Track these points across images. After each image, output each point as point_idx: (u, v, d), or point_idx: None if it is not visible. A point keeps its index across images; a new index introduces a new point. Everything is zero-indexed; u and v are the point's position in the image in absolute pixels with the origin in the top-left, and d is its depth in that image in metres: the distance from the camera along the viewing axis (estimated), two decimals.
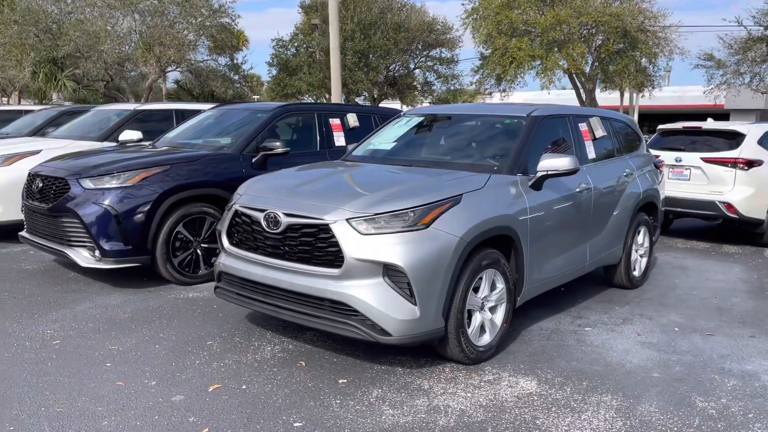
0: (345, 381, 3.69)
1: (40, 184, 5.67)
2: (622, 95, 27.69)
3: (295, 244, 3.75)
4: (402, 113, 5.67)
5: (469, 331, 3.85)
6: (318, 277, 3.66)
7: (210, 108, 7.64)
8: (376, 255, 3.53)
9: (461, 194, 3.85)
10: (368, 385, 3.65)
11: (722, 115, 32.48)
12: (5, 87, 28.05)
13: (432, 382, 3.70)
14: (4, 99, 29.25)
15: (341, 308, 3.62)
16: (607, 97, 28.00)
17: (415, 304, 3.54)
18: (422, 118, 5.30)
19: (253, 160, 6.10)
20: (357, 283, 3.56)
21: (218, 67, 34.95)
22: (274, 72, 36.01)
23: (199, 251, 5.74)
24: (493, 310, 4.06)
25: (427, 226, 3.62)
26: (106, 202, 5.29)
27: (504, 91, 25.52)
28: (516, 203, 4.17)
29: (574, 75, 24.48)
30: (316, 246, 3.68)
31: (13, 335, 4.33)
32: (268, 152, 6.12)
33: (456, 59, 34.57)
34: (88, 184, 5.39)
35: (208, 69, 34.19)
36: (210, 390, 3.54)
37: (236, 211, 4.14)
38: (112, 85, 31.38)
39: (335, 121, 7.02)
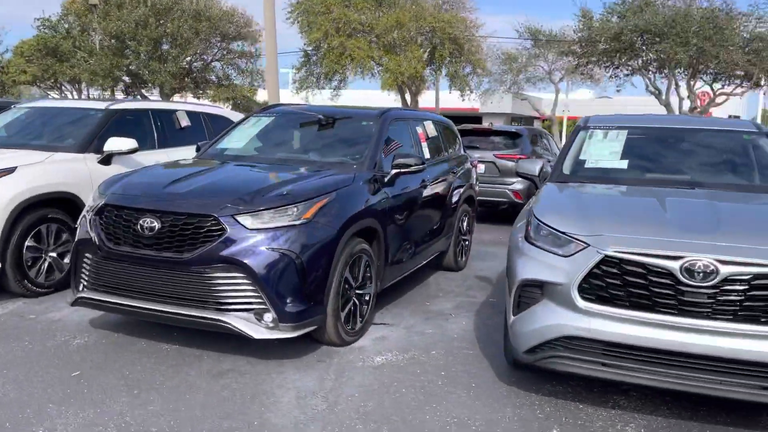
0: None
1: (155, 224, 3.77)
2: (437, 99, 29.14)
3: (739, 299, 2.99)
4: None
5: None
6: None
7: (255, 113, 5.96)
8: None
9: None
10: None
11: (477, 118, 34.62)
12: None
13: None
14: None
15: None
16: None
17: None
18: None
19: None
20: None
21: None
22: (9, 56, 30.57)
23: (356, 301, 4.40)
24: None
25: None
26: (283, 246, 3.73)
27: (335, 89, 25.10)
28: None
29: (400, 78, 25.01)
30: None
31: None
32: None
33: (259, 54, 33.03)
34: (248, 221, 3.74)
35: None
36: None
37: (607, 259, 3.17)
38: None
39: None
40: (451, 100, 30.41)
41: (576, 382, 3.77)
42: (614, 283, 3.18)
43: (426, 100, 32.39)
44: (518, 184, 9.54)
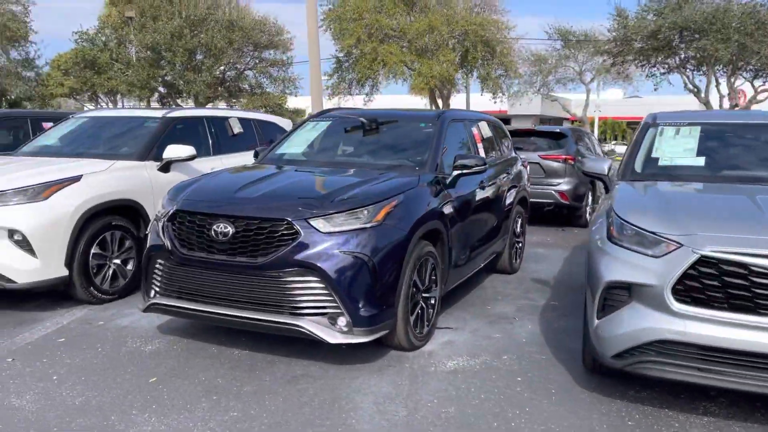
0: None
1: (228, 229, 3.76)
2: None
3: None
4: None
5: None
6: None
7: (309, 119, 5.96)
8: None
9: None
10: None
11: (505, 120, 34.41)
12: None
13: None
14: None
15: None
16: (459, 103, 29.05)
17: None
18: None
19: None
20: None
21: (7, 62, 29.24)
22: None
23: (423, 304, 4.32)
24: None
25: None
26: (355, 249, 3.69)
27: (368, 94, 25.10)
28: None
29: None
30: None
31: None
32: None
33: (291, 61, 33.22)
34: (321, 225, 3.71)
35: None
36: None
37: (703, 259, 3.04)
38: None
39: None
40: (481, 102, 30.21)
41: (661, 388, 3.63)
42: (711, 284, 3.05)
43: (455, 103, 32.26)
44: (564, 185, 9.37)
